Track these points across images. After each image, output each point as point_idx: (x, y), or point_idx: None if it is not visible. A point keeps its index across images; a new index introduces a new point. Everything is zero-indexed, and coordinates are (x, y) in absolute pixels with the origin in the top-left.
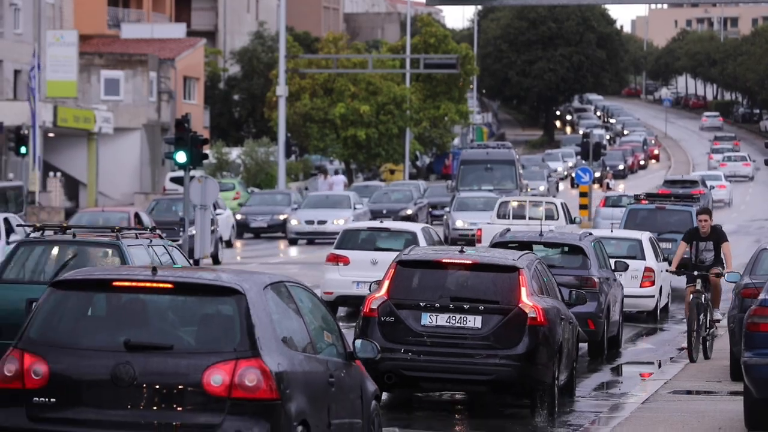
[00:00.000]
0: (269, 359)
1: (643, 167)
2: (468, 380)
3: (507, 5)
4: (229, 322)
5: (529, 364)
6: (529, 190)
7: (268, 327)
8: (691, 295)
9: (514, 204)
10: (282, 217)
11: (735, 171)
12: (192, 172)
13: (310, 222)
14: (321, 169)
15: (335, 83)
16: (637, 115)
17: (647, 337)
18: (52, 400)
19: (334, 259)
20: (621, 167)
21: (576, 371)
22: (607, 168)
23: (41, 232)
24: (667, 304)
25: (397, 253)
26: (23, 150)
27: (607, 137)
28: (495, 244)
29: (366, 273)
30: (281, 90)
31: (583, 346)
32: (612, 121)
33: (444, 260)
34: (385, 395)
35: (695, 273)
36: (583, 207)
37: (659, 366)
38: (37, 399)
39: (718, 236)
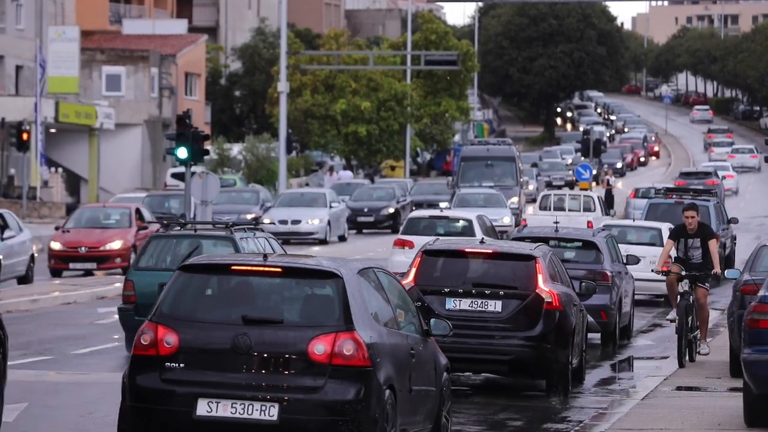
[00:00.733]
0: (363, 332)
1: (644, 164)
2: (490, 360)
3: (508, 2)
4: (329, 301)
5: (545, 345)
6: (529, 186)
7: (361, 305)
8: (679, 297)
9: (555, 197)
10: (250, 217)
11: (743, 162)
12: (193, 168)
13: (283, 222)
14: (321, 165)
15: (336, 79)
16: (638, 112)
17: (647, 333)
18: (181, 365)
19: (401, 244)
20: (619, 165)
21: (586, 358)
22: (605, 166)
23: (167, 228)
24: None
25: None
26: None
27: (608, 134)
28: (513, 239)
29: None
30: (282, 86)
31: (596, 336)
32: (612, 118)
33: (466, 250)
34: None
35: (683, 273)
36: None
37: (659, 362)
38: (168, 364)
39: (705, 233)
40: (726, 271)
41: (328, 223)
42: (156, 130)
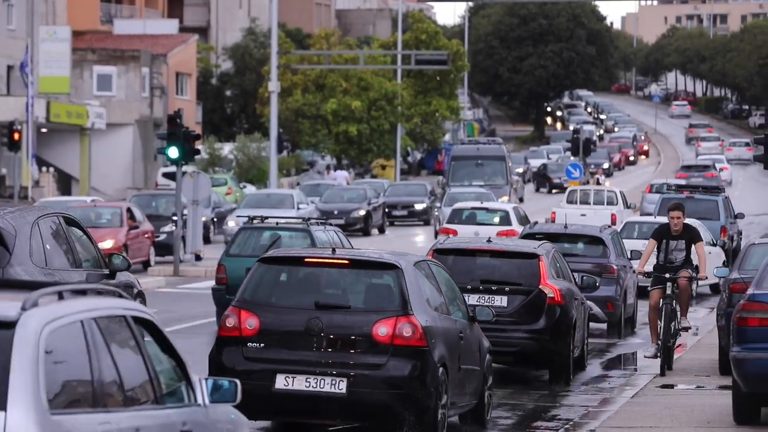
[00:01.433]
0: (419, 317)
1: (633, 163)
2: (497, 351)
3: (498, 2)
4: (390, 289)
5: (548, 337)
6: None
7: (417, 293)
8: (661, 301)
9: (581, 192)
10: (203, 220)
11: (740, 155)
12: (184, 168)
13: None
14: (312, 165)
15: (327, 79)
16: (627, 112)
17: (637, 332)
18: (261, 344)
19: (445, 232)
20: (606, 165)
21: (588, 348)
22: (591, 166)
23: (253, 221)
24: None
25: (493, 226)
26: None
27: (597, 133)
28: (525, 236)
29: None
30: (273, 86)
31: (603, 326)
32: (602, 117)
33: (474, 248)
34: None
35: (667, 275)
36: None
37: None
38: (250, 344)
39: (691, 235)
40: (715, 270)
41: None
42: (147, 130)
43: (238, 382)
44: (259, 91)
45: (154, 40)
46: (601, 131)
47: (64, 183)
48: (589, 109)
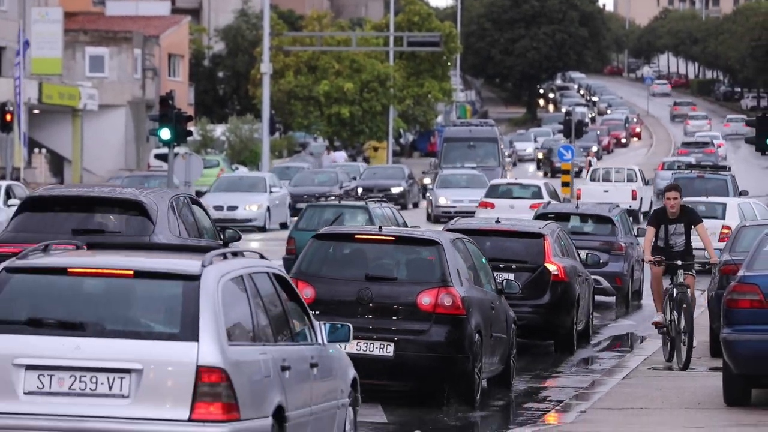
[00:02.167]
0: (458, 288)
1: (625, 145)
2: None
3: None
4: (431, 263)
5: (553, 312)
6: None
7: (455, 267)
8: (675, 290)
9: (603, 171)
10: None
11: (736, 130)
12: (176, 149)
13: (219, 207)
14: (304, 146)
15: (319, 61)
16: (620, 94)
17: (629, 315)
18: (316, 312)
19: (484, 205)
20: (594, 148)
21: (592, 321)
22: (580, 149)
23: (319, 199)
24: None
25: (526, 200)
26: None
27: (590, 115)
28: (539, 216)
29: (506, 214)
30: (265, 67)
31: (611, 299)
32: (595, 99)
33: (483, 228)
34: None
35: (678, 263)
36: (564, 185)
37: (640, 342)
38: None
39: (689, 217)
40: (705, 252)
41: (268, 209)
42: (139, 111)
43: (350, 326)
44: (252, 73)
45: (146, 21)
46: (593, 113)
47: (57, 164)
48: (581, 91)
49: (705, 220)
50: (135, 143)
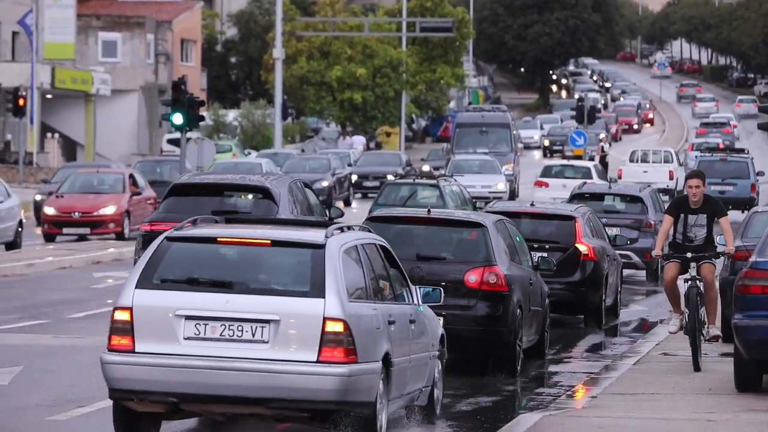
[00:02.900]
0: (502, 266)
1: (637, 131)
2: None
3: None
4: (476, 243)
5: (582, 288)
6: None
7: (499, 247)
8: (687, 285)
9: (641, 152)
10: (37, 197)
11: (747, 111)
12: (189, 134)
13: None
14: (317, 132)
15: (332, 46)
16: (633, 80)
17: (640, 300)
18: None
19: (539, 184)
20: (602, 135)
21: (621, 296)
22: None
23: (398, 178)
24: None
25: (578, 179)
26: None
27: (602, 101)
28: (574, 195)
29: (559, 192)
30: (278, 53)
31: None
32: (607, 85)
33: (519, 211)
34: None
35: (689, 255)
36: None
37: (651, 328)
38: None
39: (713, 208)
40: (717, 237)
41: None
42: (152, 96)
43: (441, 289)
44: (264, 58)
45: (159, 6)
46: (605, 99)
47: (69, 149)
48: (594, 77)
49: None
50: (147, 128)
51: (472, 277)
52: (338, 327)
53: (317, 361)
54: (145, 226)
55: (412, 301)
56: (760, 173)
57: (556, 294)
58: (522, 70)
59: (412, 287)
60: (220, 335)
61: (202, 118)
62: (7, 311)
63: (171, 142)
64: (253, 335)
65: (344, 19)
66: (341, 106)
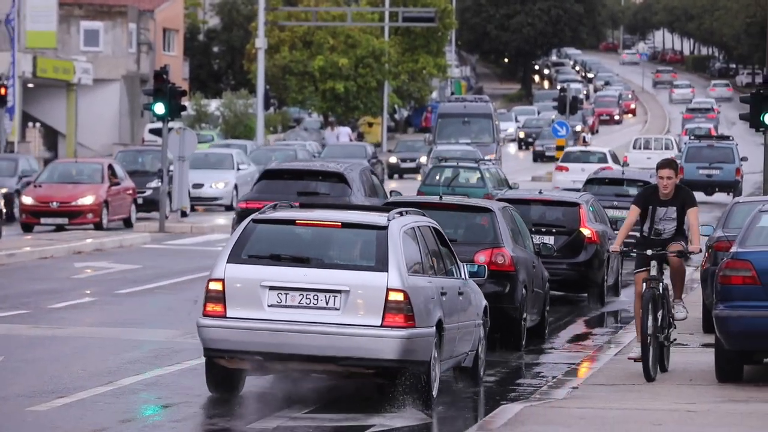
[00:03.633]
0: (508, 249)
1: (618, 122)
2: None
3: None
4: (485, 227)
5: (586, 269)
6: (503, 144)
7: (505, 230)
8: (643, 284)
9: (643, 140)
10: (3, 191)
11: (721, 94)
12: (170, 124)
13: None
14: (299, 122)
15: (314, 36)
16: (616, 70)
17: (624, 288)
18: None
19: (560, 169)
20: (578, 128)
21: (622, 277)
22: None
23: (441, 161)
24: None
25: (595, 164)
26: None
27: (584, 92)
28: (590, 180)
29: (578, 176)
30: (260, 42)
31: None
32: (590, 75)
33: (529, 198)
34: None
35: (648, 252)
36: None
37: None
38: None
39: (684, 199)
40: (701, 227)
41: (235, 187)
42: (134, 86)
43: (486, 266)
44: (247, 48)
45: None
46: (588, 90)
47: (51, 139)
48: (576, 68)
49: None
50: (129, 118)
51: (482, 258)
52: (399, 296)
53: (381, 326)
54: (241, 204)
55: (460, 275)
56: (744, 158)
57: (562, 274)
58: (505, 60)
59: (460, 264)
60: (299, 303)
61: (184, 108)
62: None
63: (153, 131)
64: (327, 303)
65: (327, 8)
66: (323, 96)
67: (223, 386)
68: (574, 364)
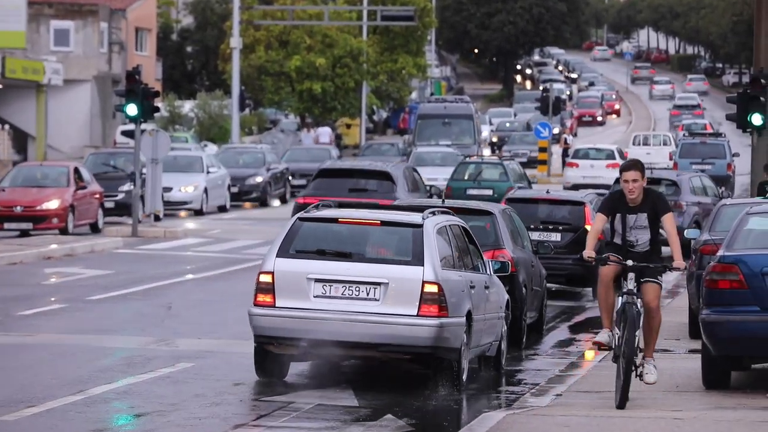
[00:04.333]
0: (509, 250)
1: (601, 123)
2: (552, 274)
3: None
4: (486, 230)
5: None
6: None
7: (506, 232)
8: (620, 300)
9: (642, 136)
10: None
11: (698, 88)
12: (143, 126)
13: None
14: (275, 123)
15: (291, 35)
16: (600, 70)
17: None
18: None
19: (571, 165)
20: (556, 131)
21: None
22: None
23: (466, 158)
24: None
25: (603, 161)
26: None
27: (567, 92)
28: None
29: (588, 172)
30: (235, 42)
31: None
32: (574, 75)
33: (537, 197)
34: None
35: (629, 263)
36: (542, 162)
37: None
38: None
39: (655, 204)
40: (686, 231)
41: (205, 190)
42: (105, 87)
43: (509, 262)
44: (221, 48)
45: None
46: (571, 90)
47: (20, 141)
48: (559, 68)
49: None
50: (101, 119)
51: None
52: (434, 288)
53: (417, 315)
54: (299, 199)
55: (486, 271)
56: (736, 154)
57: (567, 269)
58: (486, 60)
59: (487, 260)
60: (342, 294)
61: (157, 109)
62: None
63: (125, 133)
64: (368, 294)
65: (303, 7)
66: (300, 96)
67: (271, 371)
68: (558, 370)
